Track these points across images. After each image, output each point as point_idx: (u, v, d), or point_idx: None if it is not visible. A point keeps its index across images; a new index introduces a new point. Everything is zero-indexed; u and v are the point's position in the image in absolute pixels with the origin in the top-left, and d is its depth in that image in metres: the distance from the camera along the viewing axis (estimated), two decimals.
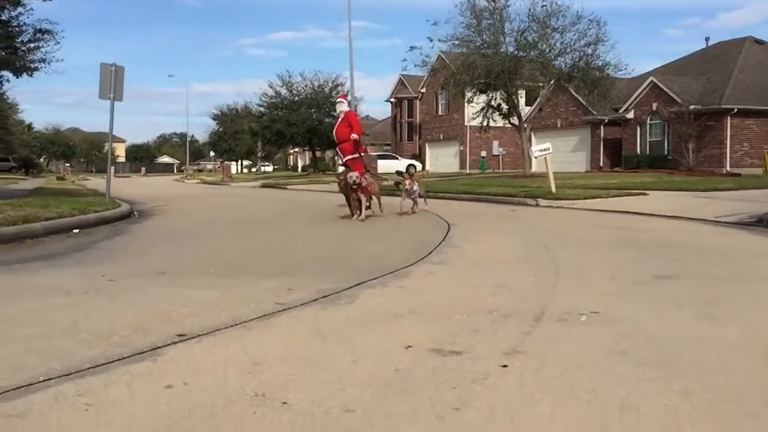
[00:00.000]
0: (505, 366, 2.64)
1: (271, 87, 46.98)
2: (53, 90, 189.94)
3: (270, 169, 74.13)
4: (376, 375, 2.52)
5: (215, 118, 69.52)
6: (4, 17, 12.26)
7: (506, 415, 2.14)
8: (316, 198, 18.26)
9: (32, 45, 12.70)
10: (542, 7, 25.49)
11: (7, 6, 12.04)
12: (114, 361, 2.61)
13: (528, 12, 25.73)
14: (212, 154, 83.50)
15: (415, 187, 10.79)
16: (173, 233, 9.23)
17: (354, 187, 9.67)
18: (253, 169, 74.83)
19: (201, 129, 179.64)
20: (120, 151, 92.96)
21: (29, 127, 51.36)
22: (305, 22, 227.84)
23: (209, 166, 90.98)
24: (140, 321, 3.29)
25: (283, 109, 45.79)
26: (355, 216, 9.78)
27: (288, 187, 28.50)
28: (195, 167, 77.56)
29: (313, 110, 45.14)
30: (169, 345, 2.86)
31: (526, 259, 5.92)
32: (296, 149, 62.91)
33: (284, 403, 2.20)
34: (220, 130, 68.57)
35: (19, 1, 12.06)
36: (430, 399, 2.27)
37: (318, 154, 51.25)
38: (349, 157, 11.06)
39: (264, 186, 31.13)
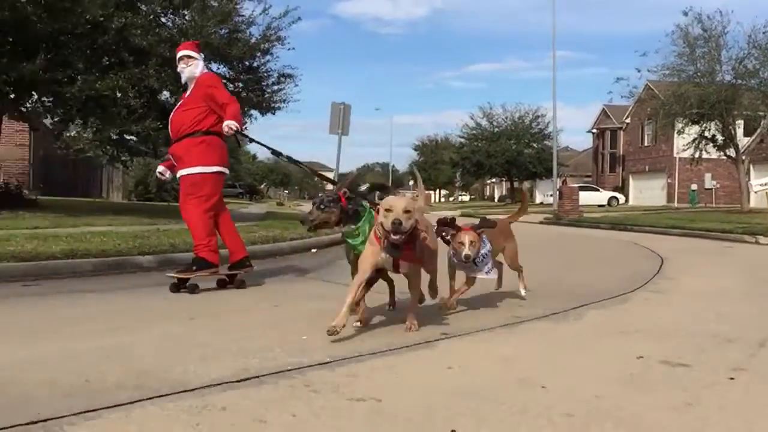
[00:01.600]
0: (732, 378, 3.01)
1: (471, 119, 48.26)
2: (273, 123, 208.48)
3: (467, 198, 75.44)
4: (614, 375, 3.02)
5: (416, 148, 72.44)
6: (255, 64, 14.35)
7: (736, 412, 2.55)
8: (515, 228, 18.68)
9: (276, 88, 14.74)
10: (764, 33, 23.97)
11: (258, 54, 14.06)
12: (403, 347, 3.38)
13: (748, 39, 24.31)
14: (411, 183, 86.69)
15: (485, 251, 4.48)
16: None
17: (396, 237, 3.49)
18: (450, 199, 76.58)
19: (401, 159, 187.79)
20: None
21: (254, 157, 57.62)
22: (505, 54, 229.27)
23: (408, 195, 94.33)
24: None
25: (483, 140, 46.74)
26: (355, 321, 3.90)
27: (487, 216, 29.12)
28: None
29: (512, 141, 45.61)
30: (437, 340, 3.58)
31: (747, 293, 5.99)
32: (494, 180, 63.58)
33: (543, 387, 2.78)
34: (421, 160, 71.26)
35: (268, 50, 14.09)
36: (664, 396, 2.73)
37: (516, 184, 51.48)
38: (187, 171, 5.60)
39: (463, 215, 32.01)
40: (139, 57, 11.80)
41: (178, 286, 5.39)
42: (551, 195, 33.66)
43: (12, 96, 12.05)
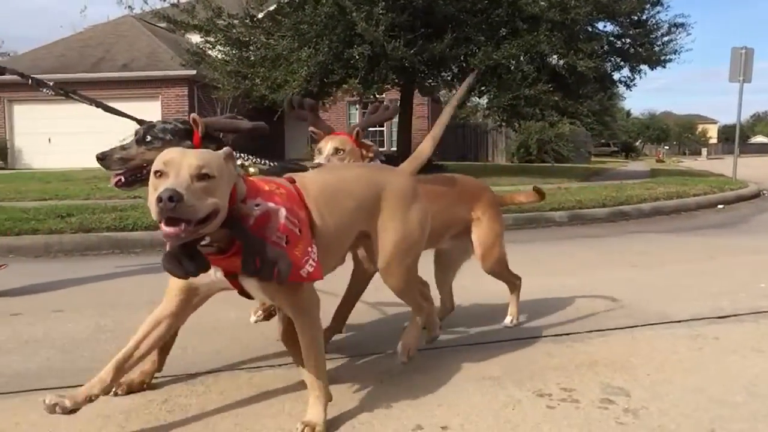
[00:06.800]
0: None
1: None
2: (649, 77, 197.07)
3: None
4: None
5: None
6: (644, 17, 13.90)
7: None
8: None
9: (666, 39, 14.06)
10: None
11: (648, 6, 13.59)
12: None
13: None
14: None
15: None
16: None
17: (170, 230, 1.49)
18: None
19: None
20: (712, 132, 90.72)
21: (628, 113, 55.56)
22: None
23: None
24: None
25: None
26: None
27: None
28: None
29: None
30: None
31: None
32: None
33: None
34: None
35: (658, 1, 13.52)
36: None
37: None
38: None
39: None
40: (531, 24, 12.40)
41: None
42: None
43: (422, 74, 13.73)
